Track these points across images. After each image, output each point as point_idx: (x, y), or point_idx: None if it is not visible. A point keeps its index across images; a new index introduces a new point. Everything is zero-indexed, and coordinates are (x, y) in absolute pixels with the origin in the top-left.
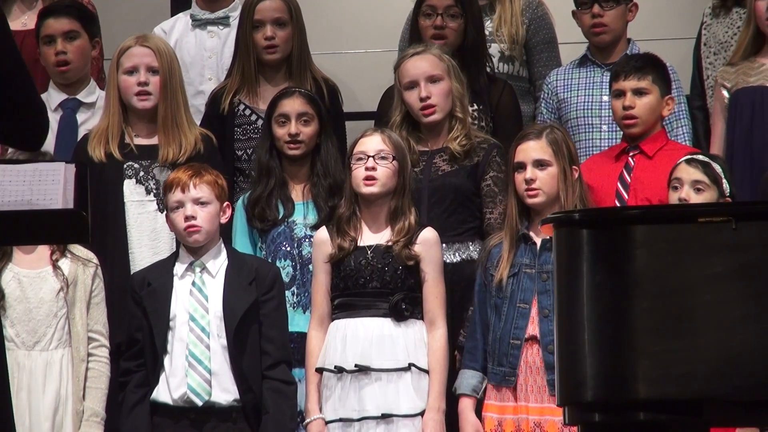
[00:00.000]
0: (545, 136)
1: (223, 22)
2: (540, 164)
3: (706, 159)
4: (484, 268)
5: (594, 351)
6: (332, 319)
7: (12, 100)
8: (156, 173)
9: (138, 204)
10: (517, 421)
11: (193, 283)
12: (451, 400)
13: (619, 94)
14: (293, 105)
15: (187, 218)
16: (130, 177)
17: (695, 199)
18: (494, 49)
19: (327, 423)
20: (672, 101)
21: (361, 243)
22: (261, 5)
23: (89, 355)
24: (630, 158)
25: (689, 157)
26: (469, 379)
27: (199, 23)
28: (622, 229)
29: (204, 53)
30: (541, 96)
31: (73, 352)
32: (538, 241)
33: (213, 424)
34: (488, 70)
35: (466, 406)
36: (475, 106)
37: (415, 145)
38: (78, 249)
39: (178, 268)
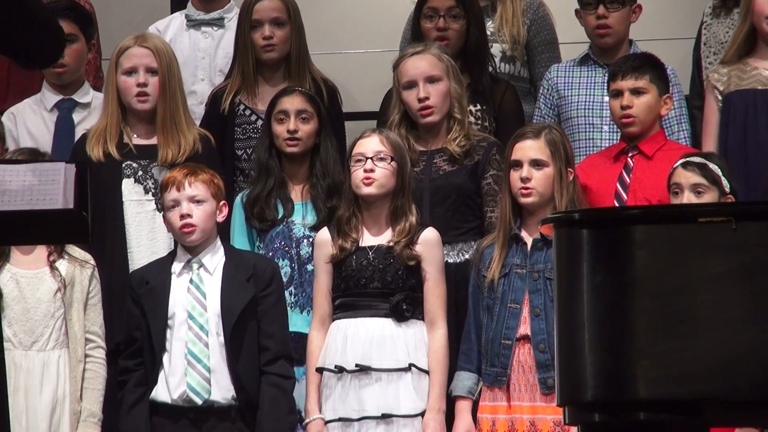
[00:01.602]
0: (543, 136)
1: (218, 23)
2: (537, 164)
3: (702, 160)
4: (476, 269)
5: (594, 351)
6: (333, 319)
7: (21, 12)
8: (155, 173)
9: (136, 203)
10: (511, 421)
11: (191, 281)
12: (450, 401)
13: (616, 93)
14: (293, 102)
15: (182, 216)
16: (128, 176)
17: (697, 202)
18: (496, 49)
19: (326, 423)
20: (670, 100)
21: (362, 244)
22: (259, 5)
23: (86, 356)
24: (629, 159)
25: (685, 160)
26: (464, 380)
27: (193, 23)
28: (622, 229)
29: (197, 54)
30: (540, 92)
31: (71, 353)
32: (529, 241)
33: (212, 423)
34: (490, 70)
35: (462, 407)
36: (478, 106)
37: (414, 143)
38: (75, 250)
39: (176, 266)
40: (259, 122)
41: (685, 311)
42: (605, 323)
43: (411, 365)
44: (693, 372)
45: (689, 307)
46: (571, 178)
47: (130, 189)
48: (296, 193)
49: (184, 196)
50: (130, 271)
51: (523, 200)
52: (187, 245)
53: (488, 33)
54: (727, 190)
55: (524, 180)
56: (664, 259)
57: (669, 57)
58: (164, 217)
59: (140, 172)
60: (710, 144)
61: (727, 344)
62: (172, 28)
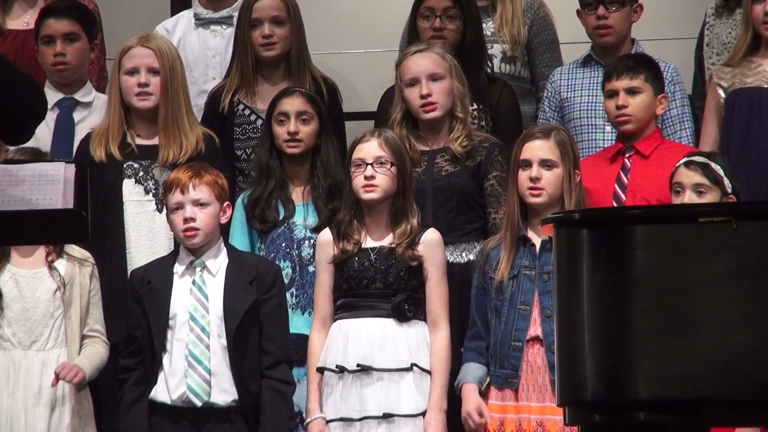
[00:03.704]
0: (553, 137)
1: (227, 21)
2: (546, 164)
3: (704, 160)
4: (482, 270)
5: (594, 351)
6: (334, 320)
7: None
8: (155, 173)
9: (136, 204)
10: (518, 420)
11: (194, 282)
12: (452, 401)
13: (612, 94)
14: (293, 104)
15: (186, 220)
16: (129, 177)
17: (698, 202)
18: (496, 49)
19: (327, 422)
20: (665, 99)
21: (364, 245)
22: (259, 4)
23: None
24: (626, 159)
25: (687, 159)
26: (474, 370)
27: (202, 22)
28: (623, 229)
29: (207, 52)
30: (544, 94)
31: (69, 352)
32: (537, 242)
33: (212, 425)
34: (488, 70)
35: (469, 389)
36: (475, 106)
37: (416, 143)
38: (74, 249)
39: (178, 266)
40: (259, 122)
41: (685, 311)
42: (605, 323)
43: (413, 365)
44: (693, 372)
45: (689, 307)
46: (578, 179)
47: (130, 189)
48: (297, 193)
49: (188, 200)
50: (129, 271)
51: (532, 200)
52: (189, 247)
53: (488, 33)
54: (729, 190)
55: (534, 180)
56: (664, 259)
57: (671, 57)
58: (167, 218)
59: (141, 173)
60: (708, 141)
61: (727, 344)
62: (179, 27)
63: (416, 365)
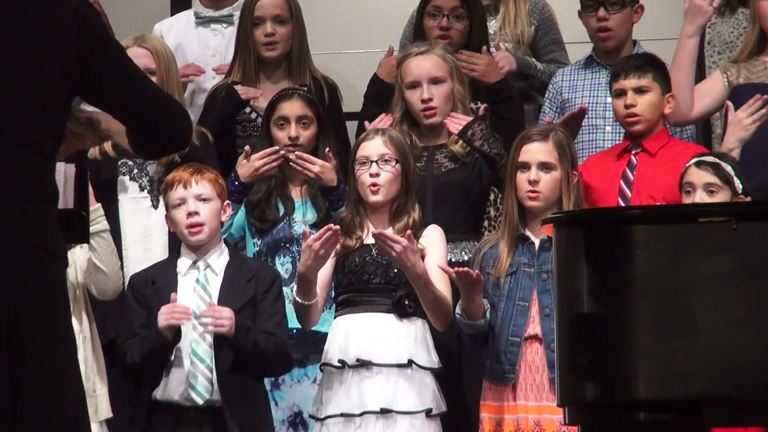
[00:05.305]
0: (551, 139)
1: (228, 20)
2: (545, 167)
3: (715, 160)
4: (479, 268)
5: (594, 351)
6: (335, 316)
7: (145, 122)
8: (150, 170)
9: (131, 201)
10: (516, 420)
11: (197, 281)
12: (453, 400)
13: (620, 93)
14: (293, 108)
15: (189, 214)
16: (124, 174)
17: (709, 201)
18: None
19: (328, 418)
20: (672, 99)
21: (366, 241)
22: (261, 2)
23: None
24: (632, 156)
25: (698, 159)
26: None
27: (202, 21)
28: (622, 229)
29: (207, 51)
30: (546, 95)
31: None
32: (536, 240)
33: (214, 423)
34: None
35: None
36: (479, 105)
37: (416, 139)
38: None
39: (182, 266)
40: (260, 120)
41: (685, 311)
42: (605, 323)
43: (410, 361)
44: (693, 372)
45: (689, 307)
46: (575, 180)
47: (125, 187)
48: (296, 191)
49: (190, 194)
50: (124, 267)
51: (530, 203)
52: (193, 245)
53: (490, 32)
54: (740, 190)
55: (532, 183)
56: (664, 259)
57: (672, 57)
58: (168, 215)
59: (135, 170)
60: (682, 83)
61: (728, 344)
62: (177, 26)
63: (414, 362)
